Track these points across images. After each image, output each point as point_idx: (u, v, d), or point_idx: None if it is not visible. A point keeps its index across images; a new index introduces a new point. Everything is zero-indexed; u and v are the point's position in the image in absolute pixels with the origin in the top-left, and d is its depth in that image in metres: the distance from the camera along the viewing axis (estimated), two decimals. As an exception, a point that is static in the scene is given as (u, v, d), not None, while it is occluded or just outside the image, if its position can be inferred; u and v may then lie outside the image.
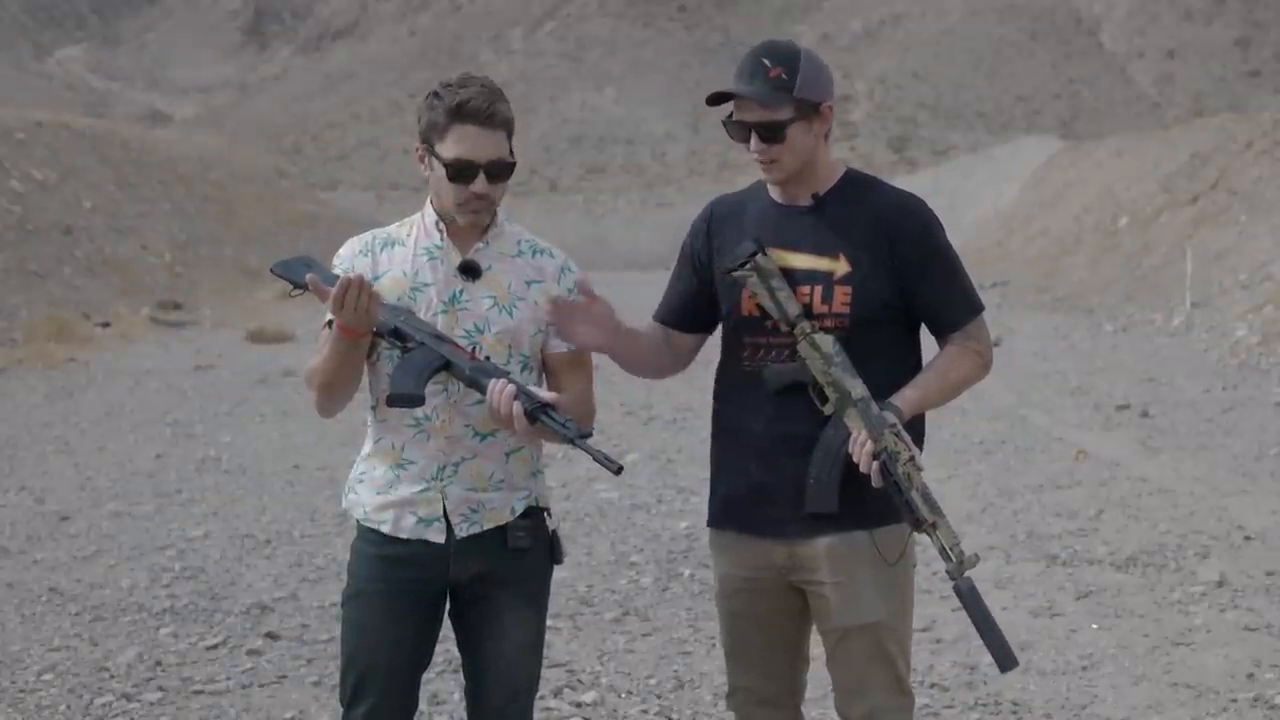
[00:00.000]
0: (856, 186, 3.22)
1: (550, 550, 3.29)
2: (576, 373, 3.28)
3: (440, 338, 3.12)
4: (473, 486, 3.18)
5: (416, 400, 3.08)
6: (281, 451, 10.61)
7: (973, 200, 42.89)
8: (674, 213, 51.24)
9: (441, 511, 3.18)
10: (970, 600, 3.03)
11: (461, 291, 3.18)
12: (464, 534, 3.18)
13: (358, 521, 3.26)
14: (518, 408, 3.02)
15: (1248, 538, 7.42)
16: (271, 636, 6.02)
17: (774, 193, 3.24)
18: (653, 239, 48.97)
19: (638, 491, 8.92)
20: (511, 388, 3.03)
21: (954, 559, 3.03)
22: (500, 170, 3.13)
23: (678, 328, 3.37)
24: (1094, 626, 5.99)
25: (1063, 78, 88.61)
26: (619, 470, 3.03)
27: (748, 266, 3.14)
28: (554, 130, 79.16)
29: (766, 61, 3.12)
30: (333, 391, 3.18)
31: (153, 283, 24.73)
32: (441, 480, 3.17)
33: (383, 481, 3.22)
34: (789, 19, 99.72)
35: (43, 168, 25.46)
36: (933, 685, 5.29)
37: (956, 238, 3.34)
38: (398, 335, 3.11)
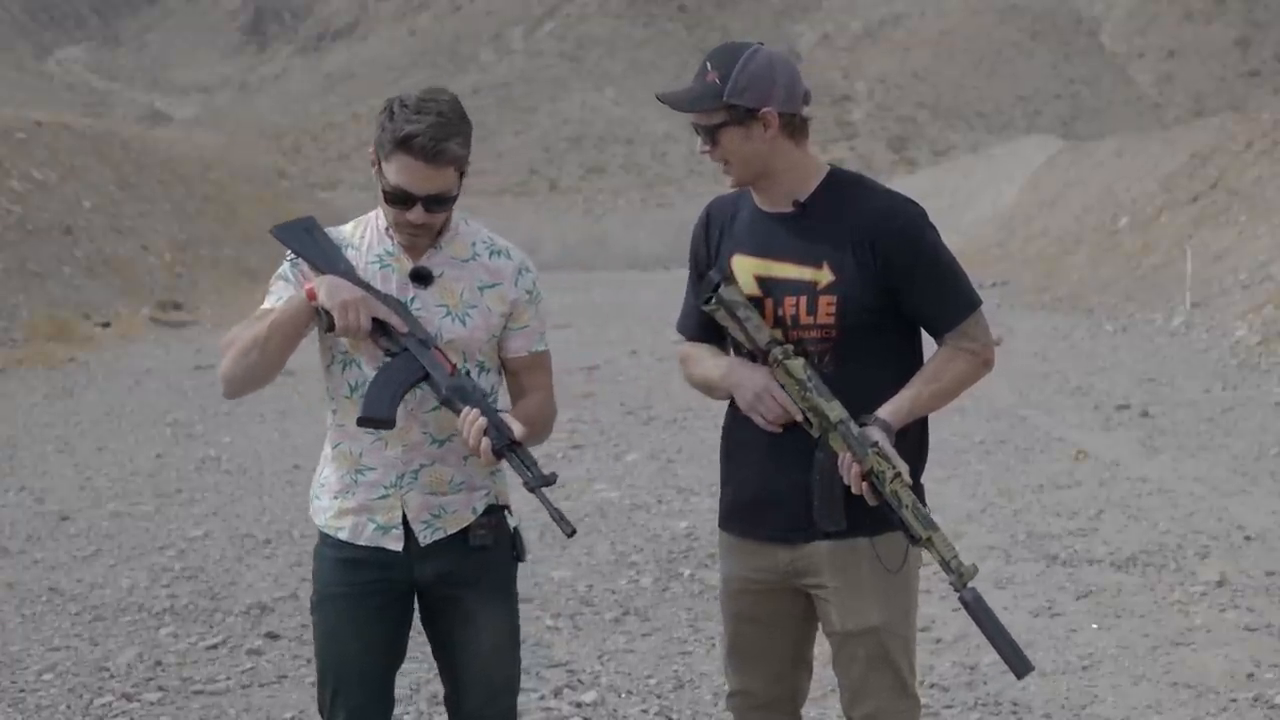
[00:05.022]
0: (840, 189, 3.17)
1: (513, 548, 3.27)
2: (538, 373, 3.27)
3: (425, 343, 3.09)
4: (433, 491, 3.16)
5: (386, 424, 3.07)
6: (281, 451, 10.61)
7: (973, 200, 42.86)
8: (674, 213, 51.16)
9: (400, 519, 3.16)
10: (978, 611, 3.02)
11: (413, 299, 3.14)
12: (427, 540, 3.16)
13: (319, 528, 3.26)
14: (486, 444, 3.01)
15: (1248, 538, 7.42)
16: (271, 636, 6.03)
17: (757, 199, 3.21)
18: (653, 239, 48.90)
19: (638, 491, 8.92)
20: (482, 421, 3.01)
21: (954, 571, 3.03)
22: (440, 203, 3.08)
23: (708, 341, 3.31)
24: (1094, 626, 5.99)
25: (1063, 78, 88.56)
26: (572, 533, 3.04)
27: (713, 300, 3.12)
28: (554, 130, 79.09)
29: (708, 65, 3.10)
30: (266, 371, 3.14)
31: (153, 283, 24.72)
32: (401, 488, 3.16)
33: (340, 487, 3.21)
34: (789, 19, 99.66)
35: (43, 168, 25.44)
36: (933, 685, 5.29)
37: (956, 238, 3.30)
38: (384, 333, 3.09)
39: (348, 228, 3.26)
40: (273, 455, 10.48)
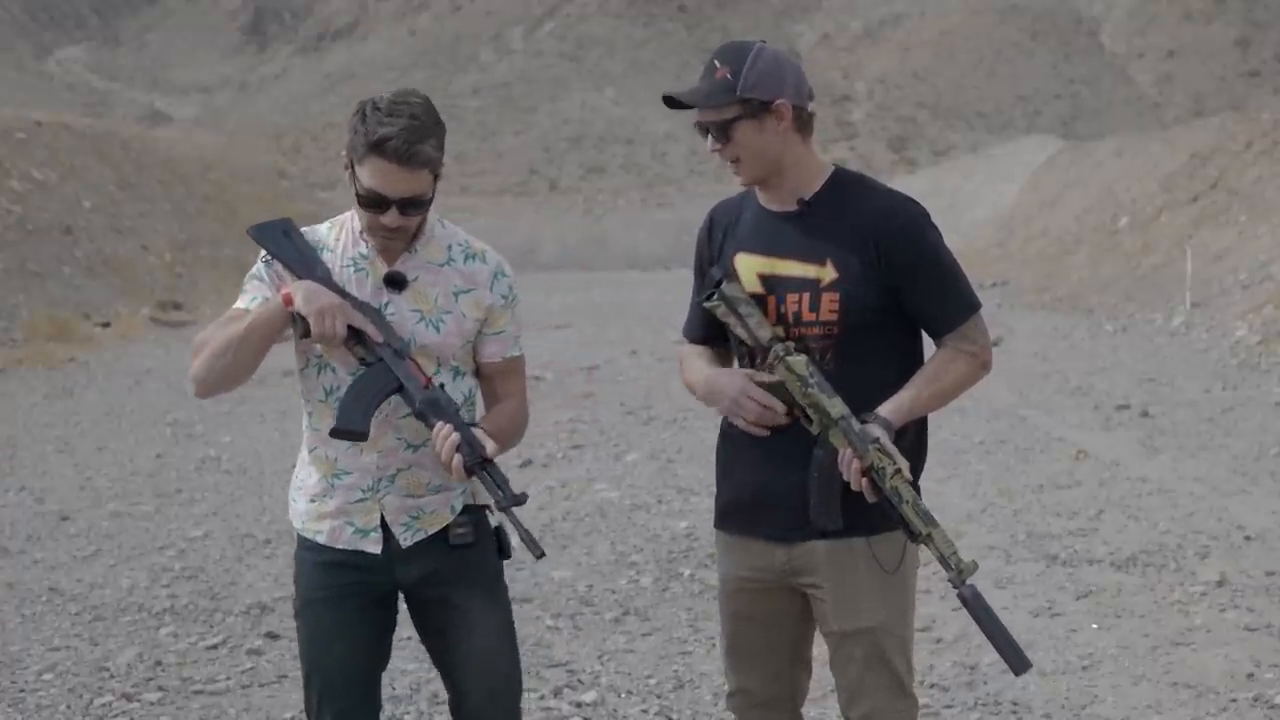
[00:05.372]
0: (844, 188, 3.18)
1: (497, 545, 3.26)
2: (512, 379, 3.26)
3: (399, 353, 3.07)
4: (410, 494, 3.16)
5: (360, 437, 3.06)
6: (281, 451, 10.60)
7: (973, 200, 42.85)
8: (674, 213, 51.17)
9: (379, 521, 3.15)
10: (976, 607, 3.02)
11: (387, 304, 3.13)
12: (409, 542, 3.16)
13: (297, 530, 3.24)
14: (458, 460, 3.00)
15: (1248, 538, 7.42)
16: (271, 636, 6.03)
17: (762, 198, 3.22)
18: (653, 239, 48.90)
19: (638, 491, 8.92)
20: (455, 437, 3.00)
21: (953, 568, 3.03)
22: (415, 206, 3.06)
23: (710, 344, 3.33)
24: (1094, 626, 5.99)
25: (1063, 78, 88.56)
26: (540, 555, 3.02)
27: (715, 297, 3.12)
28: (554, 130, 79.11)
29: (716, 62, 3.11)
30: (239, 373, 3.11)
31: (153, 283, 24.73)
32: (378, 491, 3.15)
33: (317, 490, 3.21)
34: (789, 19, 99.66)
35: (43, 168, 25.44)
36: (933, 685, 5.29)
37: (956, 238, 3.30)
38: (359, 341, 3.08)
39: (323, 228, 3.23)
40: (273, 455, 10.48)
